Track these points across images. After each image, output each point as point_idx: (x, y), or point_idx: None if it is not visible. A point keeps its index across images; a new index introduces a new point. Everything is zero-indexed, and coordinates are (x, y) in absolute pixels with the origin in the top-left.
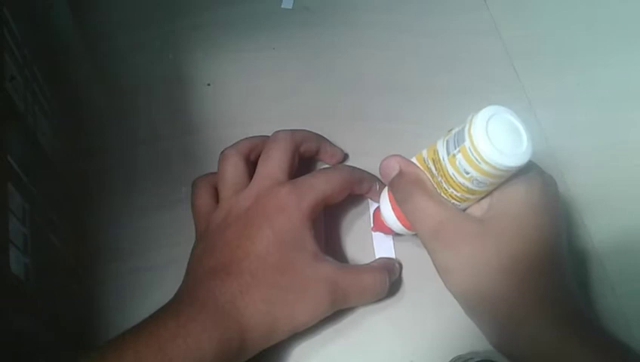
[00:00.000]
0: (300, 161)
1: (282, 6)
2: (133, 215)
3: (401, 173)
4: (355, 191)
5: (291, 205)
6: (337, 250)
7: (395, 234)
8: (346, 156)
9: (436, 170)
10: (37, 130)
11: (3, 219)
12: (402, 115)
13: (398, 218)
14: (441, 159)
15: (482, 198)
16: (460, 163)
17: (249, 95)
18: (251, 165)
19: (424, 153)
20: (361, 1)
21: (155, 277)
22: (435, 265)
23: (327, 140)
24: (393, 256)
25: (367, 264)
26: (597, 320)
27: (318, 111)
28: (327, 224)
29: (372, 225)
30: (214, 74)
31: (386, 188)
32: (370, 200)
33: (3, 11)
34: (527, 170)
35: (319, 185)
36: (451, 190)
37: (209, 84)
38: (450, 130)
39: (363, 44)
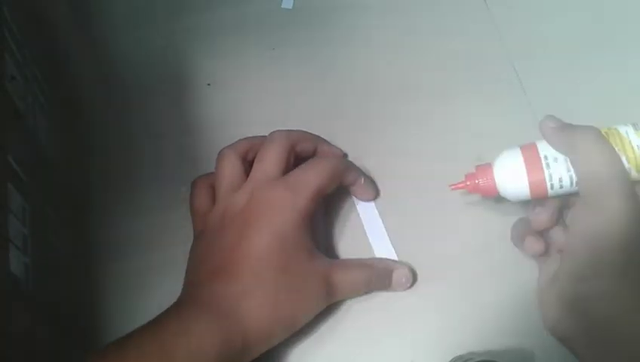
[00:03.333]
0: (296, 161)
1: (282, 6)
2: (133, 215)
3: (572, 125)
4: (343, 181)
5: (287, 204)
6: (329, 246)
7: (496, 198)
8: (344, 156)
9: (609, 139)
10: (37, 130)
11: (3, 219)
12: (402, 114)
13: (530, 177)
14: (624, 132)
15: None
16: None
17: (249, 95)
18: (249, 165)
19: None
20: (360, 2)
21: (155, 277)
22: (605, 204)
23: (325, 140)
24: (393, 254)
25: (356, 258)
26: None
27: (318, 111)
28: (321, 220)
29: (457, 183)
30: (214, 74)
31: (515, 149)
32: (355, 198)
33: (3, 11)
34: None
35: (311, 178)
36: (622, 158)
37: (209, 84)
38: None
39: (363, 44)
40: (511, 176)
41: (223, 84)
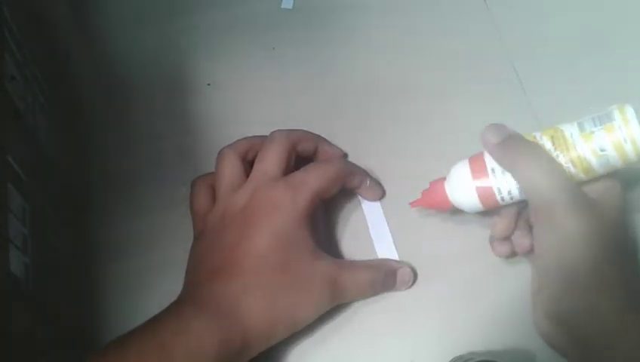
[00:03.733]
0: (297, 161)
1: (282, 6)
2: (133, 215)
3: (516, 135)
4: (347, 184)
5: (287, 203)
6: (333, 246)
7: (450, 210)
8: (345, 156)
9: (555, 145)
10: (37, 130)
11: (3, 219)
12: (402, 114)
13: (479, 190)
14: (568, 135)
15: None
16: (598, 139)
17: (249, 95)
18: (249, 165)
19: (536, 134)
20: (360, 2)
21: (155, 277)
22: (554, 222)
23: (326, 140)
24: (395, 254)
25: (363, 260)
26: None
27: (318, 111)
28: (322, 220)
29: (415, 200)
30: (214, 74)
31: (463, 162)
32: (360, 197)
33: (3, 11)
34: None
35: (313, 180)
36: (568, 165)
37: (209, 84)
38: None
39: (363, 44)
40: (461, 189)
41: (223, 84)
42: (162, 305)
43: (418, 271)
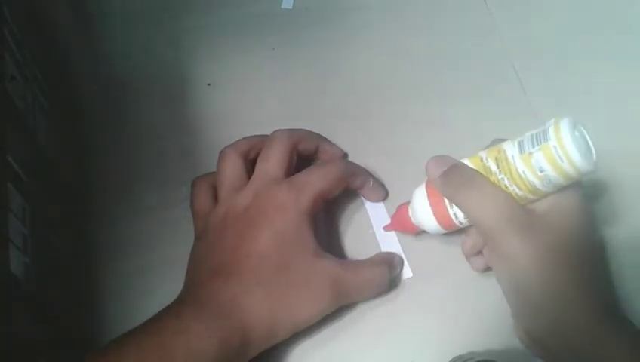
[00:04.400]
0: (298, 160)
1: (282, 6)
2: (133, 215)
3: (458, 165)
4: (350, 185)
5: (290, 204)
6: (336, 247)
7: (418, 233)
8: (345, 156)
9: (499, 168)
10: (37, 130)
11: (3, 219)
12: (402, 114)
13: (436, 215)
14: (510, 157)
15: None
16: (536, 161)
17: (249, 95)
18: (250, 164)
19: (482, 154)
20: (361, 2)
21: (155, 277)
22: (500, 251)
23: (327, 139)
24: (401, 253)
25: (367, 259)
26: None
27: (318, 111)
28: (324, 221)
29: (388, 223)
30: (214, 74)
31: (421, 187)
32: (363, 198)
33: (3, 11)
34: None
35: (316, 181)
36: (513, 187)
37: (209, 84)
38: (495, 139)
39: (363, 44)
40: (421, 214)
41: (223, 84)
42: (162, 305)
43: (418, 271)
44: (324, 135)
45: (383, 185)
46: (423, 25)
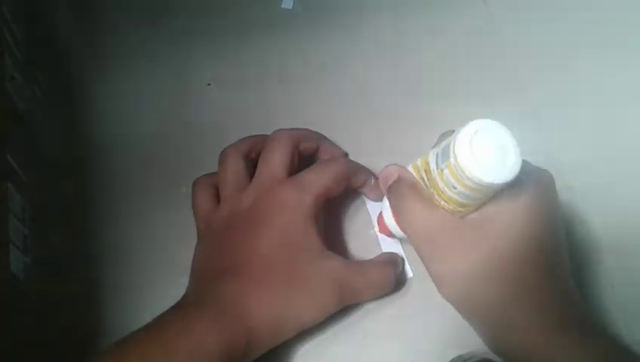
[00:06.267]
0: (299, 160)
1: (282, 6)
2: (133, 215)
3: (398, 180)
4: (352, 183)
5: (294, 203)
6: (338, 246)
7: (400, 238)
8: (345, 155)
9: (428, 180)
10: (37, 130)
11: (3, 219)
12: (402, 114)
13: (398, 223)
14: (432, 171)
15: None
16: (447, 178)
17: (249, 95)
18: (252, 164)
19: (419, 163)
20: (360, 1)
21: (155, 277)
22: (429, 271)
23: (327, 139)
24: (401, 251)
25: (371, 259)
26: (599, 325)
27: (319, 110)
28: (327, 220)
29: (377, 228)
30: (214, 74)
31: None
32: (364, 197)
33: (3, 11)
34: (524, 171)
35: (318, 180)
36: (443, 202)
37: (209, 84)
38: (444, 133)
39: (363, 43)
40: (388, 221)
41: (223, 84)
42: (162, 305)
43: (418, 271)
44: (324, 134)
45: None
46: (422, 24)
